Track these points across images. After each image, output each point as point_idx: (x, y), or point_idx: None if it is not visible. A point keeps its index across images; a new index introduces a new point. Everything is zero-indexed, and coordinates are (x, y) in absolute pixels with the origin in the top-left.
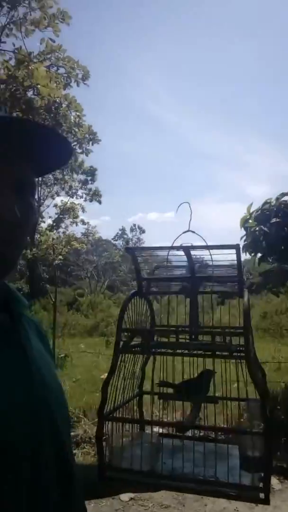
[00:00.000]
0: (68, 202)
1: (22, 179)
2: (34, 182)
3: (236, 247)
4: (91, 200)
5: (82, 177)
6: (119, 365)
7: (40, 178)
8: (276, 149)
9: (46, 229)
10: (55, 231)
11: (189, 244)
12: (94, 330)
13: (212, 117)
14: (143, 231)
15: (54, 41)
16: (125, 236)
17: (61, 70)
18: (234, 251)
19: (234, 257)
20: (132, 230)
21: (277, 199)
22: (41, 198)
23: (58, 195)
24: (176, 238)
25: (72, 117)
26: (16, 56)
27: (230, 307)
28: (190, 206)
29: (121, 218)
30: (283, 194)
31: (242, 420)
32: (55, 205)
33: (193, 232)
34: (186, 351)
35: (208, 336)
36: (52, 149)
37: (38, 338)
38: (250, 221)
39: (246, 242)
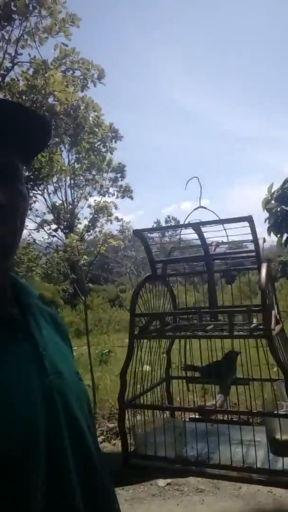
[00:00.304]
0: (101, 201)
1: (4, 166)
2: (19, 167)
3: (248, 218)
4: (122, 197)
5: (112, 175)
6: (138, 351)
7: (71, 181)
8: None
9: (82, 230)
10: (91, 231)
11: (198, 220)
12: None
13: (238, 98)
14: (178, 222)
15: (67, 45)
16: None
17: (77, 73)
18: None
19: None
20: (166, 221)
21: None
22: (75, 200)
23: (90, 196)
24: (187, 216)
25: (91, 118)
26: (32, 65)
27: (250, 281)
28: (199, 181)
29: (156, 211)
30: None
31: (267, 401)
32: (89, 206)
33: (205, 208)
34: (205, 333)
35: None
36: (30, 130)
37: (54, 328)
38: (272, 202)
39: (269, 224)
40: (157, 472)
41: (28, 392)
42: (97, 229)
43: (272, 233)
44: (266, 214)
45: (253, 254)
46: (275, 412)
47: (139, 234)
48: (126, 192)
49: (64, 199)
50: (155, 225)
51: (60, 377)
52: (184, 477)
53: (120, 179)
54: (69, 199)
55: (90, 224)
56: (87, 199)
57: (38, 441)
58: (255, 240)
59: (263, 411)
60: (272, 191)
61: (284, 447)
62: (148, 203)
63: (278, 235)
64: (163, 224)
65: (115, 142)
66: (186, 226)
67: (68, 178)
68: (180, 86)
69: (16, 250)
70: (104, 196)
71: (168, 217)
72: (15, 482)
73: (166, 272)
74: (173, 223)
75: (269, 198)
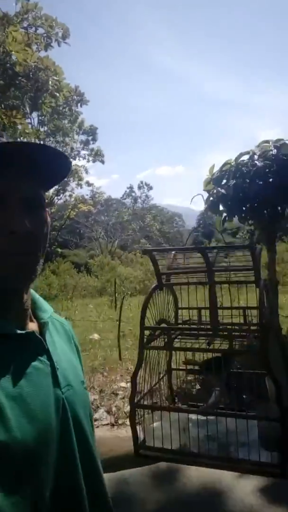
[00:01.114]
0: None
1: (29, 196)
2: (43, 196)
3: (250, 247)
4: (94, 161)
5: (83, 137)
6: (145, 357)
7: (40, 143)
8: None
9: (52, 193)
10: (61, 195)
11: (204, 246)
12: (103, 290)
13: (222, 63)
14: (151, 188)
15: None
16: (133, 194)
17: (40, 31)
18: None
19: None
20: (139, 187)
21: (236, 159)
22: None
23: None
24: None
25: (50, 81)
26: None
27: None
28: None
29: (131, 175)
30: (241, 154)
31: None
32: None
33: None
34: (207, 346)
35: (228, 318)
36: (53, 165)
37: (65, 339)
38: (206, 184)
39: (207, 205)
40: (163, 460)
41: (45, 402)
42: (67, 193)
43: (209, 213)
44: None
45: (251, 268)
46: (265, 416)
47: (149, 253)
48: (97, 156)
49: None
50: (127, 191)
51: (71, 389)
52: (186, 464)
53: (91, 142)
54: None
55: (60, 188)
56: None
57: (51, 442)
58: (255, 266)
59: (255, 414)
60: (213, 172)
61: (272, 443)
62: (123, 167)
63: (217, 215)
64: (135, 188)
65: (81, 106)
66: (192, 249)
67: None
68: (160, 46)
69: (39, 271)
70: (75, 159)
71: (141, 182)
72: (30, 473)
73: (170, 282)
74: (145, 189)
75: (210, 179)
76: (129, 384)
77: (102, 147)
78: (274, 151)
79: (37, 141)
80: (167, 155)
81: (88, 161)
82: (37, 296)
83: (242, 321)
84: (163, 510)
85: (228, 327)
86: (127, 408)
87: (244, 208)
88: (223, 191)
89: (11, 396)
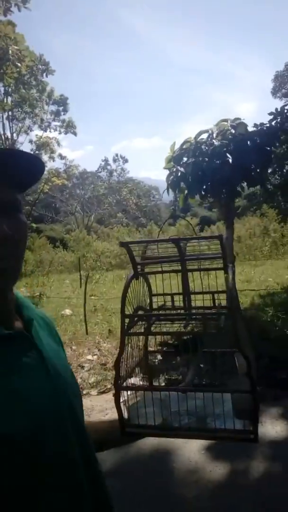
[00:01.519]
0: (42, 136)
1: (5, 200)
2: (18, 199)
3: (219, 237)
4: (66, 132)
5: (53, 108)
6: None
7: (9, 113)
8: (265, 64)
9: None
10: None
11: (177, 236)
12: (83, 265)
13: (201, 33)
14: (126, 161)
15: None
16: (109, 167)
17: None
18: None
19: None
20: (115, 160)
21: (195, 138)
22: (14, 134)
23: (31, 130)
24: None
25: (10, 51)
26: None
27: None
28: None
29: (107, 146)
30: (201, 132)
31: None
32: (30, 141)
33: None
34: (184, 330)
35: (199, 302)
36: (26, 168)
37: (48, 332)
38: (168, 162)
39: (168, 182)
40: (147, 436)
41: (39, 395)
42: None
43: (171, 190)
44: None
45: (220, 256)
46: (237, 388)
47: (125, 245)
48: (69, 127)
49: (2, 132)
50: (103, 164)
51: (62, 379)
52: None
53: (62, 113)
54: (8, 134)
55: None
56: (27, 134)
57: (48, 432)
58: (223, 250)
59: (228, 387)
60: (174, 149)
61: (244, 413)
62: (98, 138)
63: (179, 193)
64: (110, 161)
65: (46, 76)
66: (166, 241)
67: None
68: (140, 15)
69: (20, 273)
70: (46, 131)
71: (116, 155)
72: (29, 463)
73: (145, 271)
74: (120, 161)
75: (171, 157)
76: (95, 357)
77: (75, 118)
78: (232, 131)
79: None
80: (143, 126)
81: (60, 132)
82: (19, 294)
83: (212, 304)
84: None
85: (200, 310)
86: (92, 379)
87: (204, 186)
88: (182, 169)
89: (5, 391)
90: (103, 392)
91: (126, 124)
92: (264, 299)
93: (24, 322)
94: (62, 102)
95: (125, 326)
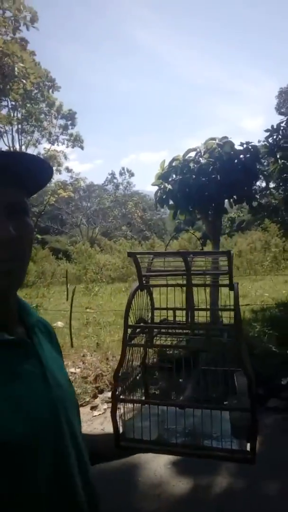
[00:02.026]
0: (50, 149)
1: (12, 202)
2: (26, 202)
3: (227, 253)
4: (73, 146)
5: (62, 122)
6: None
7: (19, 126)
8: (270, 81)
9: None
10: None
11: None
12: (80, 277)
13: (209, 49)
14: (132, 174)
15: None
16: (115, 180)
17: (8, 14)
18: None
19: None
20: (121, 174)
21: (184, 155)
22: (23, 147)
23: (39, 143)
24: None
25: (16, 68)
26: None
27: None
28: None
29: (115, 160)
30: (189, 151)
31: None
32: (38, 154)
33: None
34: (186, 345)
35: (202, 316)
36: (34, 172)
37: (48, 338)
38: (157, 179)
39: (157, 198)
40: (142, 451)
41: (37, 403)
42: None
43: (159, 206)
44: None
45: (226, 272)
46: (236, 406)
47: (133, 256)
48: (76, 141)
49: (11, 145)
50: (109, 177)
51: (60, 388)
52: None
53: (70, 127)
54: (17, 146)
55: None
56: (36, 146)
57: (45, 441)
58: (229, 268)
59: (227, 406)
60: (165, 166)
61: (243, 431)
62: (107, 152)
63: (168, 209)
64: (117, 175)
65: (52, 92)
66: (174, 254)
67: (15, 123)
68: (147, 28)
69: (25, 277)
70: (53, 144)
71: (123, 169)
72: (26, 471)
73: (149, 283)
74: (127, 175)
75: (161, 173)
76: (78, 370)
77: (85, 132)
78: (219, 149)
79: (10, 126)
80: (150, 140)
81: (68, 146)
82: (22, 300)
83: (215, 320)
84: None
85: (204, 326)
86: (77, 391)
87: (190, 203)
88: (169, 186)
89: (3, 398)
90: (81, 405)
91: (135, 138)
92: (256, 314)
93: (26, 328)
94: (70, 117)
95: (127, 337)
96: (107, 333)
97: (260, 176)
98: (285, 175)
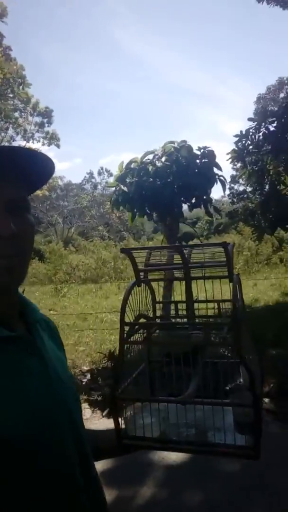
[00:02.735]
0: (25, 147)
1: (13, 198)
2: (26, 198)
3: (224, 245)
4: (49, 144)
5: (38, 119)
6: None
7: None
8: (250, 85)
9: None
10: None
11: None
12: (52, 277)
13: (192, 53)
14: (111, 174)
15: None
16: (93, 180)
17: None
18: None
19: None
20: (100, 173)
21: (142, 158)
22: None
23: (13, 140)
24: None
25: None
26: None
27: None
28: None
29: (94, 160)
30: (147, 153)
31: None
32: None
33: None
34: (184, 338)
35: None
36: (36, 168)
37: (49, 335)
38: (112, 180)
39: (112, 200)
40: (144, 448)
41: (40, 399)
42: None
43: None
44: None
45: (225, 264)
46: (240, 402)
47: (127, 251)
48: (52, 139)
49: None
50: (87, 176)
51: (62, 384)
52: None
53: (47, 124)
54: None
55: None
56: (10, 143)
57: (48, 436)
58: (228, 259)
59: (229, 401)
60: (123, 167)
61: (246, 427)
62: (87, 152)
63: (127, 211)
64: (96, 175)
65: (23, 88)
66: (169, 248)
67: None
68: (129, 29)
69: (26, 273)
70: (28, 141)
71: (101, 168)
72: (28, 466)
73: (147, 278)
74: (105, 175)
75: (119, 175)
76: None
77: (66, 131)
78: (176, 153)
79: None
80: (131, 142)
81: (43, 144)
82: (23, 296)
83: (217, 313)
84: None
85: (203, 320)
86: None
87: (146, 206)
88: (125, 188)
89: (5, 394)
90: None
91: (115, 139)
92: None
93: (27, 325)
94: (47, 114)
95: (125, 335)
96: (64, 337)
97: (217, 180)
98: (264, 179)
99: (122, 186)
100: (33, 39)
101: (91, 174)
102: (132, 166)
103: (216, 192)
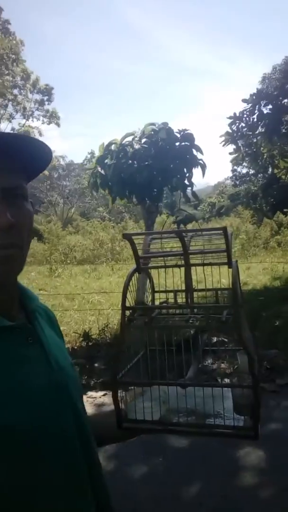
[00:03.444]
0: (24, 125)
1: (10, 187)
2: (24, 186)
3: (223, 229)
4: (49, 123)
5: (38, 97)
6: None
7: None
8: (260, 65)
9: None
10: None
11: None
12: (48, 258)
13: (198, 29)
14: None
15: None
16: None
17: None
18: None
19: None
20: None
21: (121, 139)
22: None
23: (13, 118)
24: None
25: None
26: None
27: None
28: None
29: (98, 139)
30: (127, 135)
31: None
32: (12, 129)
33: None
34: (186, 323)
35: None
36: (33, 155)
37: (48, 323)
38: (92, 162)
39: (90, 182)
40: (144, 432)
41: (40, 387)
42: None
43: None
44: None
45: (224, 250)
46: (238, 383)
47: (128, 236)
48: (52, 117)
49: None
50: (89, 156)
51: (63, 372)
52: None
53: (47, 102)
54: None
55: None
56: (10, 121)
57: (49, 424)
58: (227, 244)
59: (229, 383)
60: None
61: (245, 409)
62: (89, 130)
63: (99, 192)
64: (97, 154)
65: (17, 65)
66: (169, 232)
67: None
68: (137, 8)
69: (25, 263)
70: (28, 119)
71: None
72: (30, 455)
73: (147, 265)
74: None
75: (99, 157)
76: None
77: (67, 108)
78: (156, 135)
79: None
80: (135, 121)
81: (43, 122)
82: (22, 285)
83: (216, 301)
84: None
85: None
86: None
87: (125, 189)
88: (102, 171)
89: (6, 383)
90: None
91: (119, 116)
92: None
93: (26, 314)
94: (47, 92)
95: (126, 319)
96: None
97: (198, 164)
98: (264, 162)
99: (99, 169)
100: (33, 12)
101: (92, 153)
102: (112, 148)
103: (218, 175)
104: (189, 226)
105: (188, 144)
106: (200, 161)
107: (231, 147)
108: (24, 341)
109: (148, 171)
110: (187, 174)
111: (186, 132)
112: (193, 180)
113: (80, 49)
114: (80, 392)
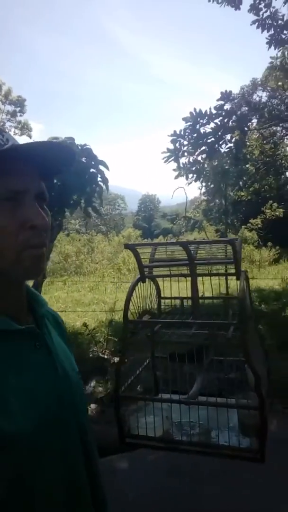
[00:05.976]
0: None
1: (40, 191)
2: (46, 191)
3: (231, 241)
4: (21, 134)
5: (10, 108)
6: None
7: None
8: (233, 79)
9: None
10: None
11: (186, 240)
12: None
13: (177, 45)
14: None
15: None
16: None
17: None
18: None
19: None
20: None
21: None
22: None
23: None
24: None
25: None
26: None
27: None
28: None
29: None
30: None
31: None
32: None
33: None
34: (189, 339)
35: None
36: (58, 160)
37: (57, 329)
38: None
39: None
40: (147, 447)
41: (46, 393)
42: None
43: None
44: None
45: (232, 261)
46: (245, 404)
47: (131, 247)
48: (24, 129)
49: None
50: None
51: (69, 379)
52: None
53: (19, 114)
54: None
55: None
56: None
57: (54, 431)
58: (234, 256)
59: (235, 403)
60: None
61: (251, 430)
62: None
63: None
64: None
65: None
66: (174, 244)
67: None
68: (120, 21)
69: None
70: None
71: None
72: (34, 462)
73: (152, 274)
74: None
75: None
76: None
77: (43, 120)
78: None
79: None
80: (109, 133)
81: (15, 133)
82: (32, 289)
83: (225, 309)
84: None
85: (208, 320)
86: None
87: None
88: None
89: (13, 389)
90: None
91: (94, 129)
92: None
93: (35, 318)
94: (20, 104)
95: (128, 333)
96: None
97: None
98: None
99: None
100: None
101: None
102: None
103: (193, 189)
104: (165, 239)
105: (85, 160)
106: (99, 180)
107: (174, 164)
108: (32, 346)
109: (56, 190)
110: (87, 189)
111: (85, 147)
112: (175, 194)
113: (57, 59)
114: (85, 400)
